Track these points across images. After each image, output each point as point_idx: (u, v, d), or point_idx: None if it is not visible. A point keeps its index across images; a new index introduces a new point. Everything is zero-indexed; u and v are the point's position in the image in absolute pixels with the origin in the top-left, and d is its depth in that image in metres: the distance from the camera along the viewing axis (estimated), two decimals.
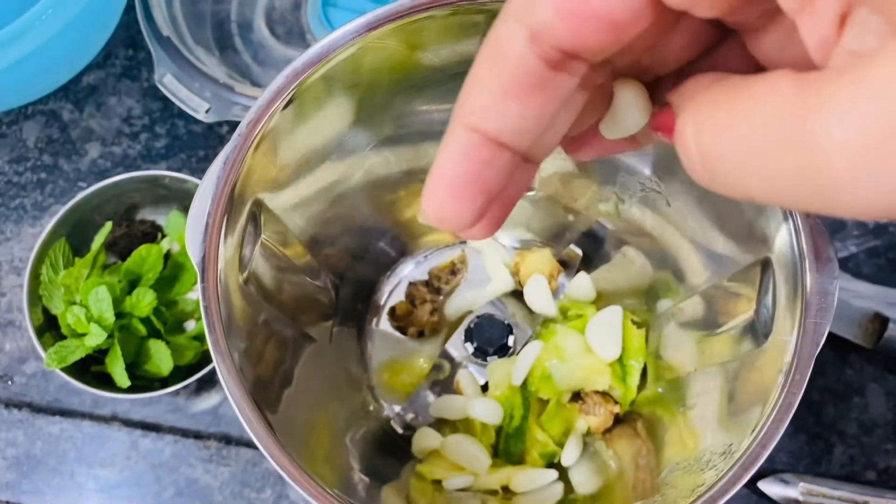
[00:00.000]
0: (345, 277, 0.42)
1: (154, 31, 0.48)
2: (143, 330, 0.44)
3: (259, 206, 0.31)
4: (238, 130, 0.28)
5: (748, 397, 0.30)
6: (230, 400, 0.27)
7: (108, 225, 0.46)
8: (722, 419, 0.31)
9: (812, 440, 0.46)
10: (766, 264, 0.30)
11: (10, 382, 0.47)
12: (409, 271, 0.46)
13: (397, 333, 0.44)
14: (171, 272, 0.46)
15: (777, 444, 0.45)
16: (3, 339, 0.48)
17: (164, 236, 0.48)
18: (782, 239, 0.28)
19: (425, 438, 0.40)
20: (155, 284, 0.45)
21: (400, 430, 0.42)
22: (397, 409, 0.43)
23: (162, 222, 0.48)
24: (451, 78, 0.34)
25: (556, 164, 0.40)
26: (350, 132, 0.35)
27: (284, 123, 0.30)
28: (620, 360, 0.39)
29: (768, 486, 0.44)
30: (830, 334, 0.45)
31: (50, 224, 0.44)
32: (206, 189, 0.27)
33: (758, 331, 0.30)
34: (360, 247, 0.43)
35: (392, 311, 0.45)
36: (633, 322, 0.40)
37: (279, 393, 0.32)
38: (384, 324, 0.45)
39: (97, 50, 0.52)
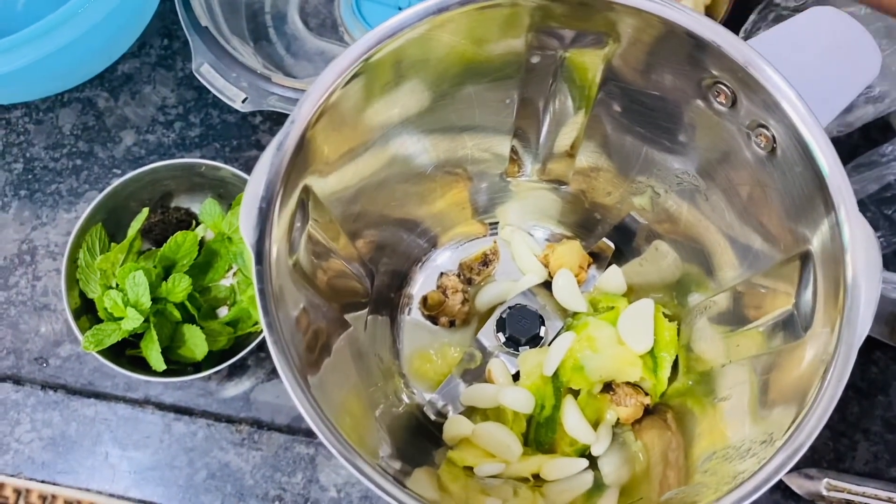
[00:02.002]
0: (379, 266, 0.43)
1: (192, 20, 0.48)
2: (177, 315, 0.44)
3: (307, 192, 0.32)
4: (291, 116, 0.29)
5: (786, 388, 0.30)
6: (285, 382, 0.27)
7: (145, 211, 0.46)
8: (757, 410, 0.32)
9: (837, 437, 0.46)
10: (805, 258, 0.30)
11: (45, 365, 0.48)
12: (442, 262, 0.46)
13: (429, 323, 0.45)
14: (206, 259, 0.47)
15: None
16: (38, 322, 0.49)
17: (198, 224, 0.49)
18: (824, 232, 0.29)
19: (457, 426, 0.40)
20: (189, 271, 0.45)
21: (432, 417, 0.42)
22: (428, 396, 0.43)
23: (196, 210, 0.49)
24: (495, 70, 0.35)
25: (589, 158, 0.41)
26: (395, 122, 0.35)
27: (337, 109, 0.30)
28: (652, 352, 0.40)
29: (793, 480, 0.45)
30: None
31: (87, 209, 0.45)
32: (260, 173, 0.28)
33: (796, 324, 0.31)
34: (395, 237, 0.44)
35: (424, 300, 0.45)
36: (665, 315, 0.41)
37: (320, 375, 0.33)
38: (416, 313, 0.45)
39: (133, 39, 0.52)
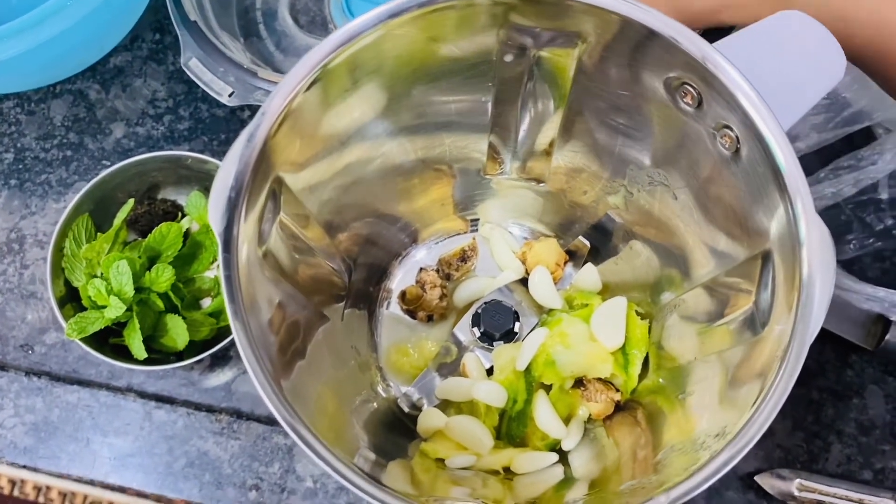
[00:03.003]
0: (358, 261, 0.44)
1: (182, 15, 0.49)
2: (160, 305, 0.45)
3: (279, 183, 0.32)
4: (262, 108, 0.29)
5: (746, 383, 0.31)
6: (246, 365, 0.28)
7: (131, 202, 0.47)
8: (720, 404, 0.32)
9: (810, 438, 0.47)
10: (766, 256, 0.31)
11: (30, 352, 0.49)
12: (421, 257, 0.47)
13: (407, 317, 0.46)
14: (190, 250, 0.48)
15: (775, 440, 0.46)
16: (25, 309, 0.50)
17: (184, 216, 0.49)
18: (782, 231, 0.29)
19: (430, 418, 0.41)
20: (174, 261, 0.46)
21: (406, 410, 0.43)
22: (404, 389, 0.44)
23: (182, 202, 0.50)
24: (468, 69, 0.35)
25: (566, 157, 0.41)
26: (369, 119, 0.36)
27: (307, 105, 0.31)
28: (623, 349, 0.40)
29: (765, 481, 0.45)
30: (832, 335, 0.47)
31: (74, 199, 0.46)
32: (230, 163, 0.29)
33: (756, 320, 0.31)
34: (374, 232, 0.45)
35: (403, 294, 0.46)
36: (638, 313, 0.41)
37: (292, 365, 0.33)
38: (394, 307, 0.46)
39: (125, 32, 0.53)
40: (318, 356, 0.38)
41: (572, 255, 0.46)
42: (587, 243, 0.45)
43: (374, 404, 0.42)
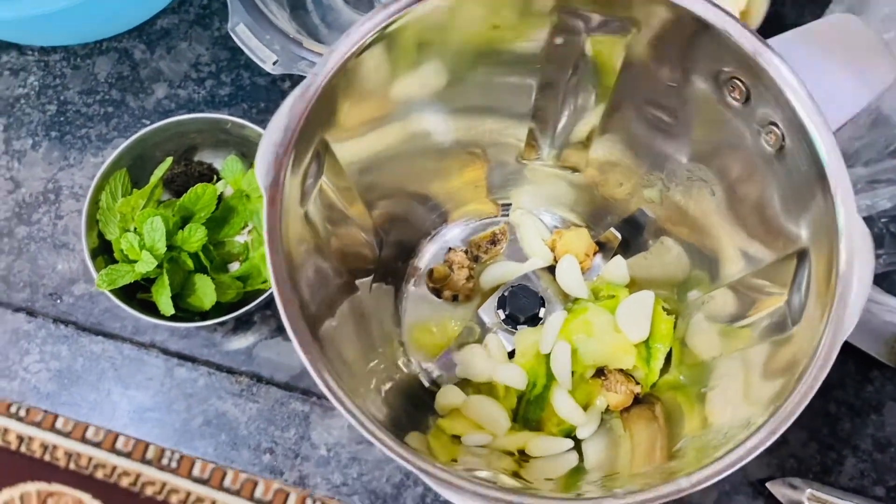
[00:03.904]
0: (389, 236, 0.44)
1: None
2: (190, 264, 0.46)
3: (325, 146, 0.33)
4: (315, 68, 0.29)
5: (772, 378, 0.31)
6: (283, 317, 0.28)
7: (169, 160, 0.48)
8: (743, 399, 0.33)
9: (825, 450, 0.47)
10: (802, 255, 0.31)
11: (59, 301, 0.50)
12: (450, 237, 0.47)
13: (432, 295, 0.46)
14: (223, 214, 0.48)
15: (789, 449, 0.46)
16: (56, 259, 0.50)
17: (219, 179, 0.50)
18: (821, 231, 0.29)
19: (449, 395, 0.41)
20: (206, 223, 0.47)
21: (426, 385, 0.43)
22: (425, 365, 0.44)
23: (219, 166, 0.50)
24: (518, 51, 0.35)
25: (604, 147, 0.41)
26: (419, 94, 0.36)
27: (364, 68, 0.31)
28: (647, 342, 0.41)
29: (776, 488, 0.45)
30: (855, 349, 0.47)
31: (114, 153, 0.46)
32: (280, 119, 0.29)
33: (787, 319, 0.31)
34: (406, 208, 0.45)
35: (430, 273, 0.46)
36: (664, 309, 0.41)
37: (322, 326, 0.33)
38: (420, 285, 0.46)
39: None
40: (345, 324, 0.38)
41: (602, 247, 0.46)
42: (618, 235, 0.45)
43: (395, 377, 0.42)
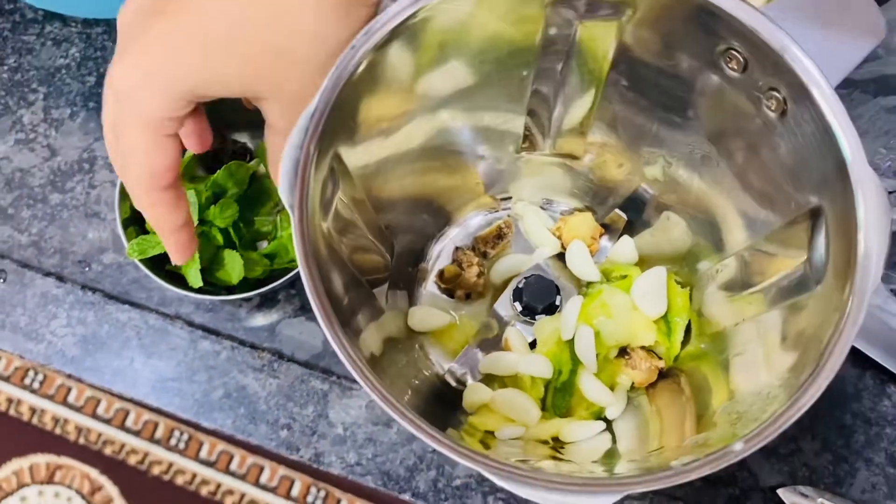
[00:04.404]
0: (397, 241, 0.44)
1: None
2: (220, 239, 0.46)
3: (338, 160, 0.33)
4: (327, 81, 0.30)
5: (801, 338, 0.32)
6: (314, 305, 0.28)
7: None
8: (772, 361, 0.33)
9: (838, 461, 0.47)
10: (816, 214, 0.32)
11: (87, 269, 0.50)
12: (456, 237, 0.47)
13: (444, 296, 0.46)
14: (255, 193, 0.49)
15: (802, 458, 0.46)
16: (87, 227, 0.51)
17: (252, 158, 0.51)
18: (834, 187, 0.30)
19: (476, 392, 0.42)
20: (238, 200, 0.47)
21: (453, 384, 0.44)
22: (447, 365, 0.44)
23: (253, 146, 0.51)
24: (513, 43, 0.36)
25: (602, 131, 0.42)
26: (422, 94, 0.36)
27: (372, 73, 0.32)
28: (665, 317, 0.41)
29: (787, 495, 0.45)
30: (874, 362, 0.47)
31: None
32: (297, 135, 0.29)
33: (808, 278, 0.32)
34: (412, 212, 0.45)
35: (440, 274, 0.47)
36: (677, 282, 0.42)
37: (352, 333, 0.34)
38: (432, 286, 0.47)
39: None
40: (367, 335, 0.38)
41: (608, 229, 0.46)
42: (623, 216, 0.45)
43: (419, 379, 0.43)
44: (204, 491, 1.21)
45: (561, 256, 0.45)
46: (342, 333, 0.29)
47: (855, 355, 0.47)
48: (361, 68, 0.31)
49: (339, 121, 0.31)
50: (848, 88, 0.45)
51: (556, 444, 0.40)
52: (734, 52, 0.32)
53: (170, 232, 0.37)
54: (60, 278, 0.50)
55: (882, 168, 0.44)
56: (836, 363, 0.28)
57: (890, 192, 0.45)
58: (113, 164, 0.36)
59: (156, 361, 0.48)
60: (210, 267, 0.47)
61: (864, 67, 0.40)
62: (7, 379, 1.25)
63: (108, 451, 1.22)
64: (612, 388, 0.42)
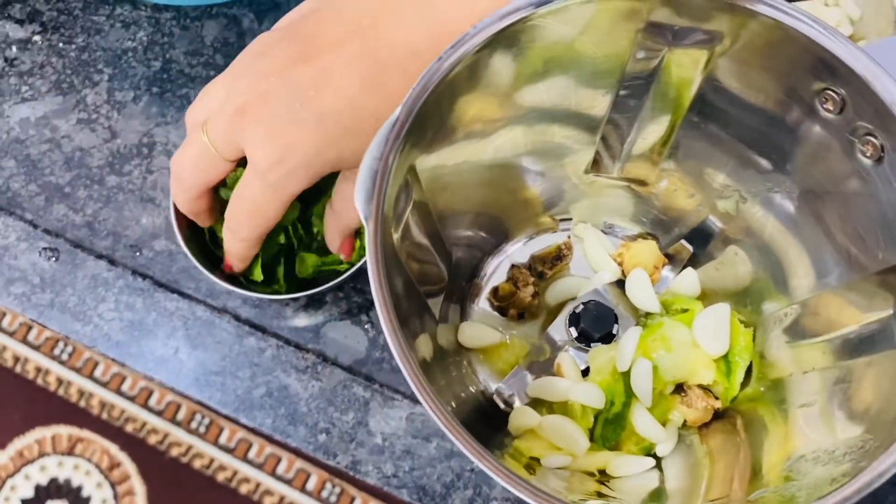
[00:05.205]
0: (454, 254, 0.44)
1: None
2: (282, 238, 0.46)
3: (412, 172, 0.33)
4: (411, 91, 0.29)
5: (880, 397, 0.30)
6: (386, 331, 0.28)
7: None
8: (845, 417, 0.32)
9: None
10: None
11: (139, 254, 0.50)
12: (512, 254, 0.46)
13: (497, 314, 0.45)
14: (314, 193, 0.48)
15: None
16: (141, 213, 0.51)
17: None
18: None
19: (523, 416, 0.41)
20: (299, 198, 0.47)
21: (501, 406, 0.43)
22: (495, 385, 0.44)
23: None
24: (599, 62, 0.35)
25: (677, 159, 0.41)
26: (506, 107, 0.36)
27: (453, 86, 0.31)
28: (726, 356, 0.40)
29: None
30: None
31: None
32: (376, 148, 0.29)
33: (893, 334, 0.31)
34: (471, 225, 0.44)
35: (495, 291, 0.46)
36: (740, 321, 0.41)
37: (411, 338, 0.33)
38: (484, 303, 0.46)
39: None
40: (419, 344, 0.38)
41: (671, 259, 0.45)
42: (689, 247, 0.44)
43: (466, 396, 0.42)
44: (220, 477, 1.21)
45: (620, 283, 0.44)
46: (404, 341, 0.28)
47: None
48: (447, 80, 0.30)
49: (418, 131, 0.31)
50: None
51: (603, 478, 0.39)
52: (831, 93, 0.31)
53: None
54: (112, 262, 0.50)
55: None
56: None
57: None
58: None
59: (200, 353, 0.48)
60: (272, 266, 0.46)
61: None
62: (38, 348, 1.26)
63: (129, 428, 1.23)
64: (663, 425, 0.41)
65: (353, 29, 0.36)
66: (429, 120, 0.31)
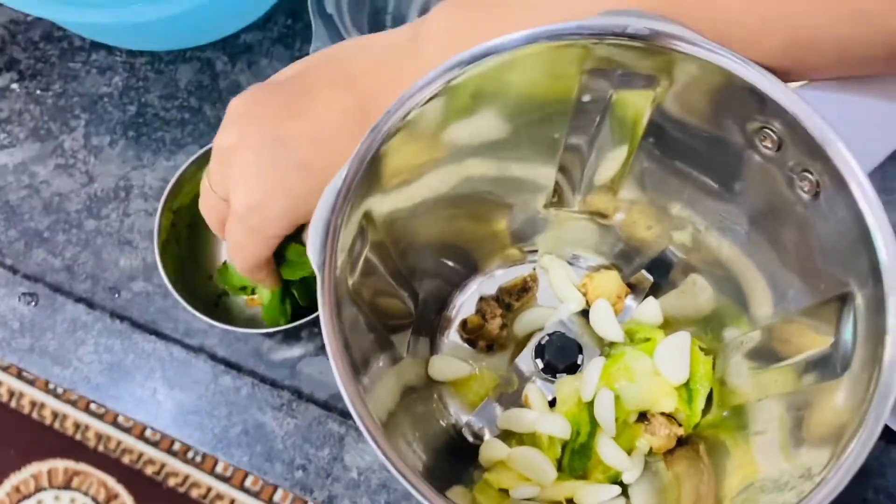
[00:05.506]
0: (422, 288, 0.44)
1: (319, 5, 0.51)
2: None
3: (367, 218, 0.34)
4: (359, 146, 0.30)
5: (822, 426, 0.31)
6: (339, 381, 0.29)
7: None
8: (790, 445, 0.33)
9: None
10: (845, 299, 0.31)
11: (117, 295, 0.51)
12: (481, 286, 0.47)
13: (467, 346, 0.46)
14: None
15: None
16: (119, 255, 0.52)
17: None
18: (864, 277, 0.30)
19: (492, 449, 0.42)
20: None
21: (470, 439, 0.44)
22: (465, 418, 0.44)
23: None
24: (548, 105, 0.36)
25: (632, 193, 0.42)
26: (455, 146, 0.37)
27: (404, 135, 0.32)
28: (687, 384, 0.41)
29: None
30: None
31: (189, 160, 0.48)
32: (329, 196, 0.30)
33: (835, 363, 0.32)
34: (437, 260, 0.45)
35: (463, 323, 0.47)
36: (700, 348, 0.42)
37: (367, 388, 0.34)
38: (454, 336, 0.47)
39: (262, 13, 0.55)
40: (387, 382, 0.38)
41: (633, 288, 0.46)
42: (650, 277, 0.45)
43: (435, 430, 0.43)
44: None
45: (585, 313, 0.45)
46: (358, 396, 0.29)
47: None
48: (395, 132, 0.32)
49: (370, 181, 0.32)
50: (886, 160, 0.45)
51: None
52: (769, 131, 0.32)
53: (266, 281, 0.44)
54: (90, 304, 0.51)
55: None
56: (854, 464, 0.27)
57: None
58: (227, 242, 0.42)
59: (178, 393, 0.49)
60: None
61: None
62: (32, 382, 1.27)
63: (125, 459, 1.24)
64: (629, 452, 0.41)
65: (346, 85, 0.37)
66: (380, 169, 0.32)
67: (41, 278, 0.52)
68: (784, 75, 0.31)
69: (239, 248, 0.40)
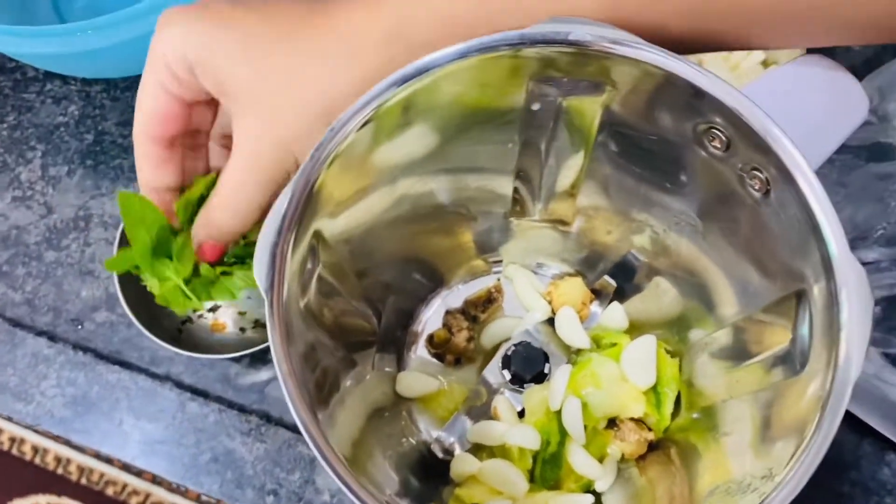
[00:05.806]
0: (385, 305, 0.44)
1: None
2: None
3: (318, 237, 0.33)
4: (304, 166, 0.30)
5: (786, 424, 0.31)
6: (294, 414, 0.28)
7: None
8: (758, 445, 0.33)
9: None
10: (801, 295, 0.31)
11: (80, 327, 0.50)
12: (447, 300, 0.47)
13: (435, 360, 0.46)
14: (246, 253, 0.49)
15: None
16: (81, 286, 0.51)
17: None
18: (817, 272, 0.30)
19: (463, 463, 0.41)
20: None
21: (440, 455, 0.43)
22: (435, 433, 0.44)
23: None
24: (497, 116, 0.36)
25: (590, 199, 0.42)
26: (403, 163, 0.36)
27: (348, 153, 0.32)
28: (655, 388, 0.41)
29: None
30: (873, 431, 0.46)
31: None
32: (274, 220, 0.29)
33: (794, 360, 0.31)
34: (401, 276, 0.45)
35: (430, 338, 0.46)
36: (667, 351, 0.42)
37: (329, 412, 0.34)
38: (422, 350, 0.46)
39: None
40: (352, 402, 0.38)
41: (598, 294, 0.46)
42: (613, 283, 0.45)
43: (405, 448, 0.42)
44: None
45: (552, 321, 0.45)
46: (315, 429, 0.28)
47: (853, 422, 0.46)
48: (339, 151, 0.31)
49: (317, 200, 0.31)
50: (840, 154, 0.45)
51: None
52: (716, 131, 0.32)
53: (147, 187, 0.37)
54: (52, 337, 0.50)
55: (874, 237, 0.43)
56: (812, 462, 0.27)
57: (881, 262, 0.44)
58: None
59: (144, 423, 0.48)
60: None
61: (856, 134, 0.39)
62: (10, 419, 1.25)
63: (109, 491, 1.22)
64: (601, 460, 0.41)
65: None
66: (327, 187, 0.32)
67: (1, 313, 0.51)
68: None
69: (240, 186, 0.34)
